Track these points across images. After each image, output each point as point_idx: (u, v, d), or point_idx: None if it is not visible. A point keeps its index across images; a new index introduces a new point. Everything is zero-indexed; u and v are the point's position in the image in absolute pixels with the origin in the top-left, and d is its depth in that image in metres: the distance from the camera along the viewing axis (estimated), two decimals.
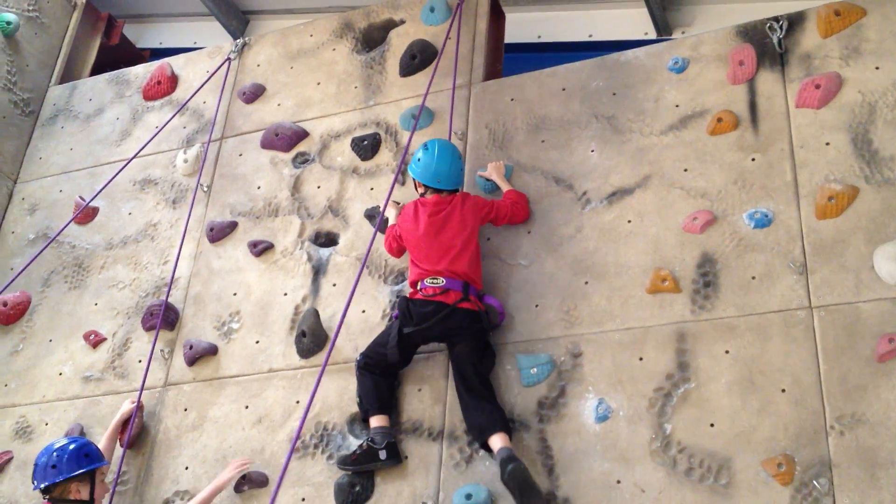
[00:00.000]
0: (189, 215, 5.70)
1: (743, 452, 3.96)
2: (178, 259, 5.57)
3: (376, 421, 4.56)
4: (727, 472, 3.95)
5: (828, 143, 4.44)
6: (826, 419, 3.89)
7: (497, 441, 4.27)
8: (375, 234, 4.87)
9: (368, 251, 4.28)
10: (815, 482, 3.78)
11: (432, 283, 4.56)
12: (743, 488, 3.89)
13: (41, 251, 5.76)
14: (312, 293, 5.25)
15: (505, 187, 5.01)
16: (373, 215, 5.30)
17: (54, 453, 4.53)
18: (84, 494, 4.53)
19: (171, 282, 5.54)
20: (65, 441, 4.64)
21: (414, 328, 4.52)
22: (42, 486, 4.49)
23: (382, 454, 4.47)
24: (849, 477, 3.75)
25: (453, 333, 4.54)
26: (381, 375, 4.64)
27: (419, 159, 4.85)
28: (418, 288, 4.63)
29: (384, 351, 4.60)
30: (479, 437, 4.36)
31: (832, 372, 3.96)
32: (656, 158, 4.80)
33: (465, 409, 4.44)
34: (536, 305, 4.69)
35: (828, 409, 3.90)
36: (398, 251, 4.93)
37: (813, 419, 3.91)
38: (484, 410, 4.36)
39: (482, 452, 4.40)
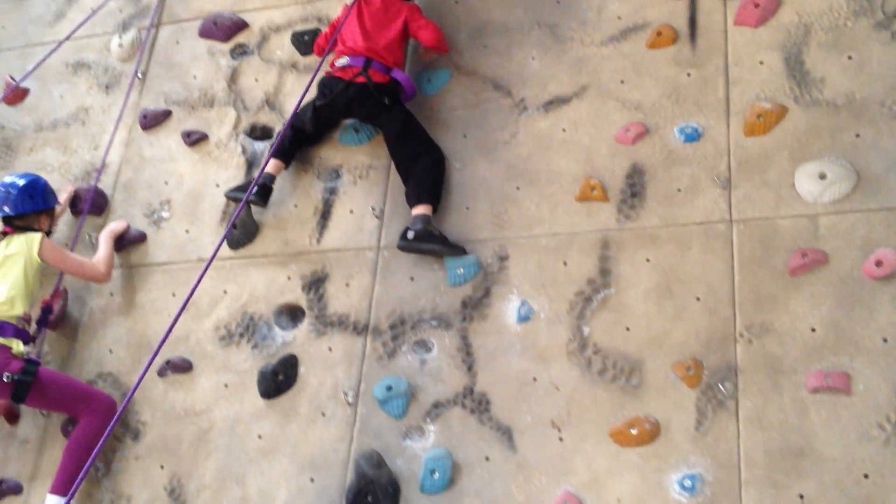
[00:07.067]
0: (126, 101, 5.60)
1: (655, 356, 4.09)
2: (110, 144, 5.50)
3: (269, 167, 4.91)
4: (638, 374, 4.08)
5: (762, 62, 4.50)
6: (736, 327, 4.02)
7: (415, 211, 4.66)
8: (291, 120, 4.74)
9: (281, 135, 4.25)
10: (720, 385, 3.93)
11: (339, 62, 4.89)
12: (652, 389, 4.03)
13: None
14: None
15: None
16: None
17: (27, 183, 4.82)
18: (46, 226, 4.88)
19: (102, 167, 5.47)
20: (30, 175, 4.94)
21: (321, 102, 4.88)
22: (14, 212, 4.74)
23: (254, 190, 4.74)
24: (753, 382, 3.90)
25: (354, 107, 4.86)
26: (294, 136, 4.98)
27: None
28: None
29: (303, 118, 4.94)
30: (410, 207, 4.72)
31: (746, 283, 4.09)
32: (595, 69, 4.82)
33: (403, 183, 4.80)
34: (467, 208, 4.73)
35: (738, 318, 4.04)
36: (320, 50, 5.18)
37: (724, 327, 4.04)
38: (410, 184, 4.73)
39: (405, 347, 4.49)
